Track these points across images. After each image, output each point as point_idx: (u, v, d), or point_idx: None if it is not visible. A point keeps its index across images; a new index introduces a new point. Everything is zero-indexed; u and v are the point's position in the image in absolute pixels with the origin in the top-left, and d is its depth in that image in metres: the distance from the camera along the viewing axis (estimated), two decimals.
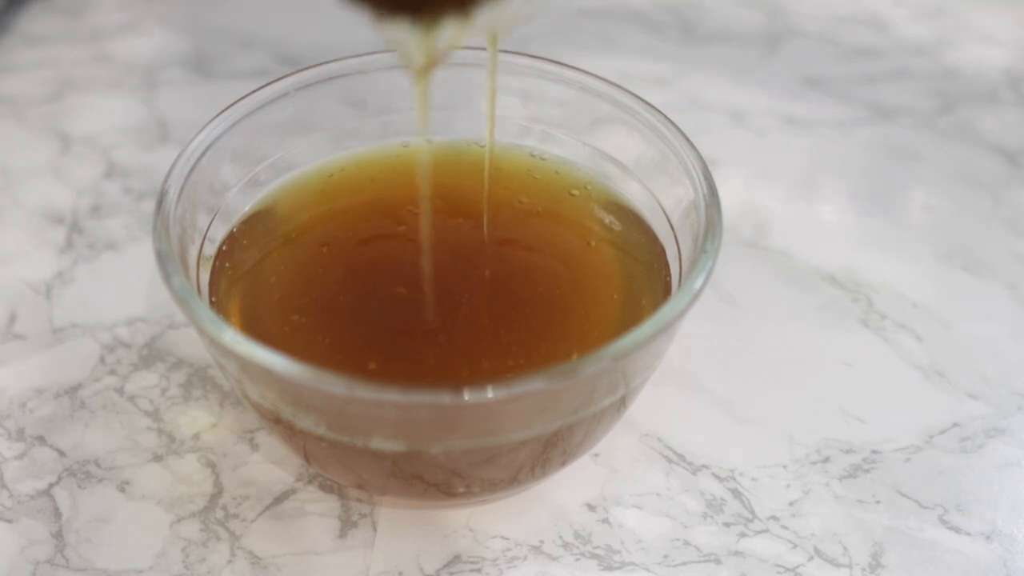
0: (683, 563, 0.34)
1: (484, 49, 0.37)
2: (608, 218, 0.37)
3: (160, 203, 0.33)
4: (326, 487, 0.36)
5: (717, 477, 0.37)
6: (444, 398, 0.28)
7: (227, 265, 0.35)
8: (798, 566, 0.34)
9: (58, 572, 0.34)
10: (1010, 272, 0.44)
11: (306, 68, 0.37)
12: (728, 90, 0.53)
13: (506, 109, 0.37)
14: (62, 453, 0.37)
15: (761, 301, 0.43)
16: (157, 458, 0.37)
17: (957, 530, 0.36)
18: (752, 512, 0.36)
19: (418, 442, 0.30)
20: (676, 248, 0.35)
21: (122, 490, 0.36)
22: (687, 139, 0.35)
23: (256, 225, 0.37)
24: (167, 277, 0.31)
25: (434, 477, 0.32)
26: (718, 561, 0.35)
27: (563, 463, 0.34)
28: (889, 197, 0.47)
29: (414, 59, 0.29)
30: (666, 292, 0.34)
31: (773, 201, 0.47)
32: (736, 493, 0.36)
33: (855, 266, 0.44)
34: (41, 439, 0.37)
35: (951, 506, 0.36)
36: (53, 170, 0.48)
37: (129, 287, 0.42)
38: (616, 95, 0.37)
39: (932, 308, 0.42)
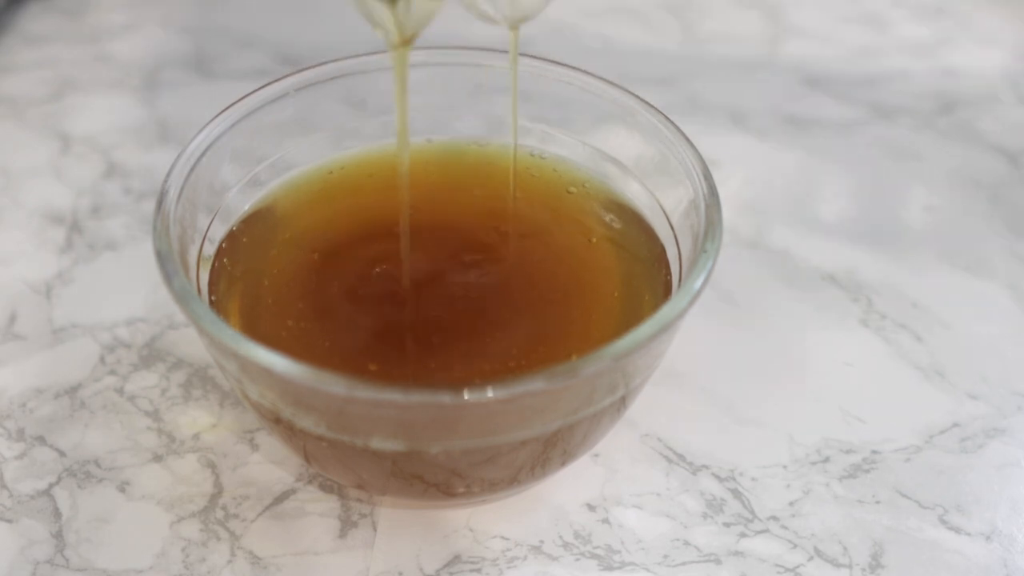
0: (683, 563, 0.34)
1: (485, 50, 0.38)
2: (608, 218, 0.37)
3: (160, 203, 0.33)
4: (326, 487, 0.36)
5: (717, 477, 0.37)
6: (444, 398, 0.28)
7: (227, 264, 0.35)
8: (798, 566, 0.34)
9: (58, 572, 0.34)
10: (1010, 272, 0.44)
11: (306, 68, 0.37)
12: (728, 90, 0.53)
13: (506, 109, 0.37)
14: (62, 453, 0.37)
15: (761, 301, 0.43)
16: (157, 458, 0.37)
17: (957, 530, 0.36)
18: (752, 512, 0.36)
19: (418, 442, 0.30)
20: (676, 248, 0.35)
21: (122, 490, 0.36)
22: (687, 139, 0.35)
23: (256, 224, 0.37)
24: (167, 277, 0.31)
25: (434, 477, 0.32)
26: (718, 561, 0.35)
27: (563, 463, 0.34)
28: (889, 197, 0.47)
29: (389, 33, 0.30)
30: (666, 292, 0.34)
31: (773, 201, 0.47)
32: (736, 493, 0.36)
33: (855, 266, 0.44)
34: (41, 439, 0.37)
35: (951, 506, 0.36)
36: (53, 170, 0.48)
37: (129, 287, 0.42)
38: (616, 95, 0.37)
39: (932, 308, 0.42)
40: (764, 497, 0.36)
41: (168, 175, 0.33)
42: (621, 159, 0.37)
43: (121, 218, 0.45)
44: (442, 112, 0.39)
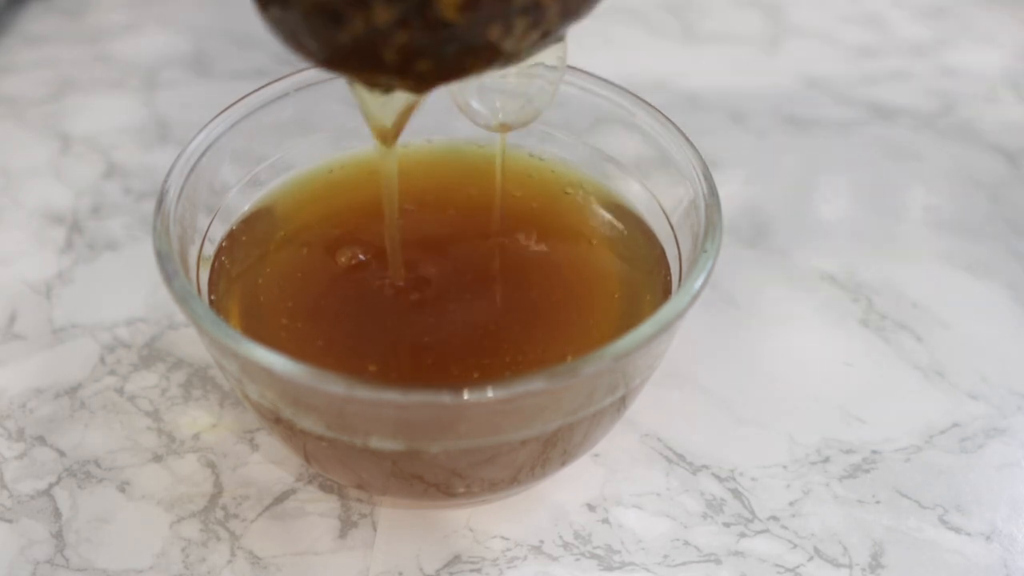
0: (683, 563, 0.34)
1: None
2: (608, 218, 0.37)
3: (160, 203, 0.33)
4: (326, 487, 0.36)
5: (717, 477, 0.37)
6: (444, 398, 0.28)
7: (227, 264, 0.35)
8: (798, 566, 0.34)
9: (58, 572, 0.34)
10: (1010, 272, 0.44)
11: (306, 68, 0.37)
12: (728, 90, 0.53)
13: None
14: (62, 453, 0.37)
15: (761, 301, 0.43)
16: (157, 458, 0.37)
17: (957, 530, 0.36)
18: (752, 512, 0.36)
19: (418, 442, 0.30)
20: (676, 248, 0.35)
21: (122, 490, 0.36)
22: (687, 139, 0.35)
23: (256, 224, 0.37)
24: (167, 277, 0.31)
25: (434, 477, 0.32)
26: (718, 561, 0.35)
27: (563, 463, 0.34)
28: (889, 197, 0.47)
29: (376, 121, 0.31)
30: (666, 292, 0.34)
31: (773, 201, 0.47)
32: (736, 493, 0.36)
33: (855, 266, 0.44)
34: (41, 439, 0.37)
35: (951, 506, 0.36)
36: (53, 170, 0.48)
37: (129, 287, 0.42)
38: (616, 95, 0.37)
39: (932, 308, 0.42)
40: (764, 497, 0.36)
41: (168, 175, 0.33)
42: (621, 159, 0.37)
43: (121, 218, 0.45)
44: (442, 112, 0.39)
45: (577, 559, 0.35)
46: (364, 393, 0.28)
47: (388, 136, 0.32)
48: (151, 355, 0.40)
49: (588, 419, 0.32)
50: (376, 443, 0.30)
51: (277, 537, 0.35)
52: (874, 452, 0.38)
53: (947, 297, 0.43)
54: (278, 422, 0.32)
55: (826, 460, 0.37)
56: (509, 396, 0.28)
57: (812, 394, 0.39)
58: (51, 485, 0.36)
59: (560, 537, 0.35)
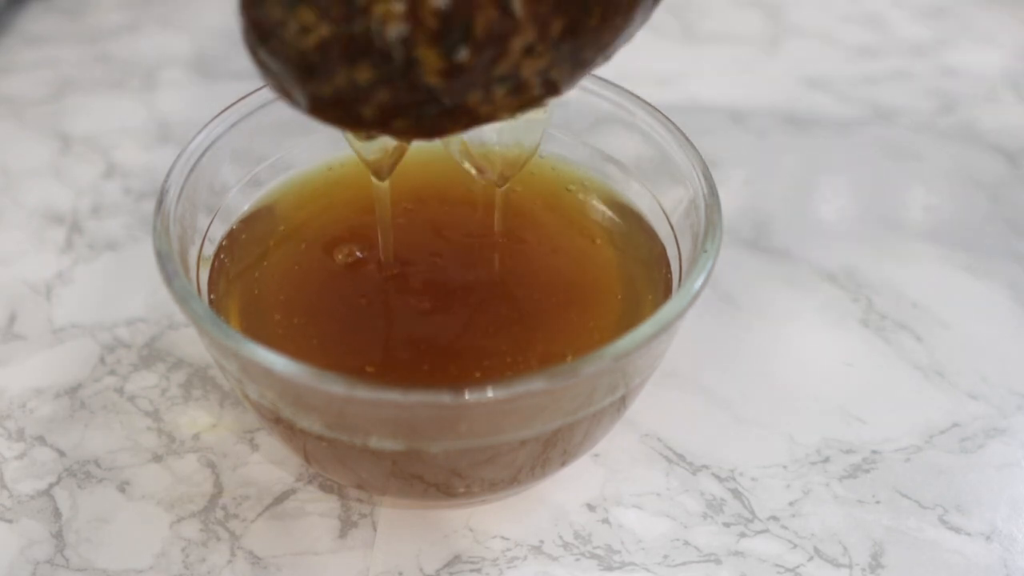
0: (683, 563, 0.34)
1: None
2: (608, 217, 0.37)
3: (160, 203, 0.33)
4: (326, 487, 0.36)
5: (717, 477, 0.37)
6: (444, 398, 0.28)
7: (226, 264, 0.35)
8: (798, 566, 0.34)
9: (58, 572, 0.34)
10: (1010, 272, 0.44)
11: None
12: (728, 90, 0.53)
13: None
14: (62, 453, 0.37)
15: (761, 301, 0.43)
16: (157, 458, 0.37)
17: (957, 530, 0.36)
18: (752, 512, 0.36)
19: (418, 442, 0.30)
20: (676, 248, 0.35)
21: (122, 490, 0.36)
22: (687, 139, 0.35)
23: (255, 223, 0.37)
24: (167, 277, 0.31)
25: (434, 477, 0.32)
26: (718, 561, 0.35)
27: (563, 463, 0.34)
28: (889, 197, 0.47)
29: (362, 158, 0.32)
30: (666, 292, 0.34)
31: (773, 201, 0.47)
32: (736, 493, 0.36)
33: (855, 266, 0.44)
34: (41, 439, 0.37)
35: (951, 506, 0.36)
36: (53, 170, 0.48)
37: (129, 287, 0.42)
38: (616, 95, 0.37)
39: (932, 308, 0.42)
40: (764, 497, 0.36)
41: (168, 175, 0.33)
42: (621, 159, 0.37)
43: (121, 218, 0.45)
44: None
45: (577, 559, 0.35)
46: (364, 393, 0.28)
47: (381, 172, 0.33)
48: (151, 355, 0.40)
49: (588, 419, 0.32)
50: (376, 443, 0.30)
51: (277, 537, 0.35)
52: (874, 452, 0.38)
53: (947, 297, 0.43)
54: (278, 422, 0.32)
55: (826, 460, 0.37)
56: (509, 396, 0.28)
57: (812, 394, 0.39)
58: (51, 485, 0.36)
59: (560, 537, 0.35)
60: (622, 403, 0.33)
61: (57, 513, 0.35)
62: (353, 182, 0.38)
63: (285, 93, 0.27)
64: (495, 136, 0.33)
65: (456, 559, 0.34)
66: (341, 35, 0.25)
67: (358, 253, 0.36)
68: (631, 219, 0.37)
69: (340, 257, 0.36)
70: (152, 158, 0.48)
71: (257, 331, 0.34)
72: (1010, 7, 0.59)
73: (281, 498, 0.36)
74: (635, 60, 0.54)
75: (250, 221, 0.37)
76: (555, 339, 0.34)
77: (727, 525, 0.35)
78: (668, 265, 0.35)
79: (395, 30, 0.25)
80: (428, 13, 0.24)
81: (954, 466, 0.37)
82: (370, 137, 0.30)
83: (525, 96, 0.27)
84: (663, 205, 0.36)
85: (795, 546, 0.35)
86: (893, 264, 0.44)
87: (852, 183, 0.48)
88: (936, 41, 0.56)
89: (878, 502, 0.36)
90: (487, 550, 0.35)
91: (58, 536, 0.35)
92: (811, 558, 0.35)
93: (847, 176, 0.49)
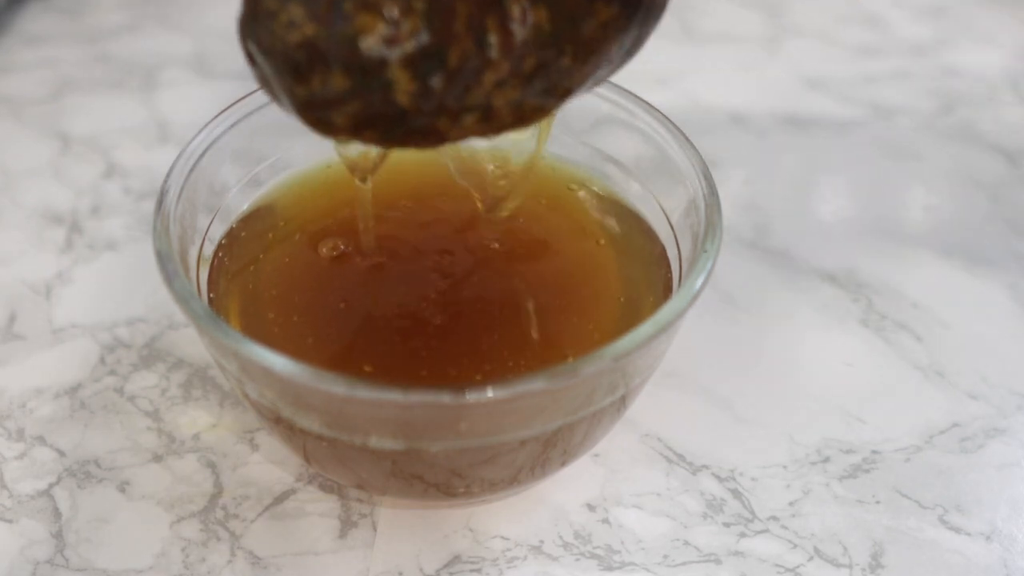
0: (683, 563, 0.34)
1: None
2: (608, 218, 0.37)
3: (160, 203, 0.33)
4: (326, 487, 0.36)
5: (717, 477, 0.37)
6: (444, 398, 0.28)
7: (226, 263, 0.35)
8: (798, 566, 0.34)
9: (58, 572, 0.34)
10: (1010, 272, 0.44)
11: None
12: (728, 90, 0.53)
13: None
14: (62, 453, 0.37)
15: (761, 301, 0.43)
16: (157, 458, 0.37)
17: (957, 530, 0.36)
18: (752, 512, 0.36)
19: (418, 442, 0.30)
20: (676, 248, 0.35)
21: (122, 490, 0.36)
22: (687, 139, 0.35)
23: (255, 222, 0.37)
24: (167, 277, 0.31)
25: (434, 477, 0.32)
26: (718, 561, 0.35)
27: (563, 463, 0.34)
28: (889, 197, 0.48)
29: (341, 155, 0.32)
30: (666, 292, 0.34)
31: (773, 201, 0.47)
32: (736, 493, 0.36)
33: (855, 266, 0.44)
34: (41, 439, 0.37)
35: (951, 506, 0.36)
36: (53, 170, 0.48)
37: (129, 287, 0.42)
38: (616, 95, 0.37)
39: (932, 308, 0.42)
40: (764, 497, 0.36)
41: (168, 175, 0.33)
42: (621, 159, 0.37)
43: (121, 218, 0.45)
44: None
45: (577, 559, 0.35)
46: (364, 393, 0.28)
47: (358, 171, 0.33)
48: (151, 355, 0.40)
49: (588, 419, 0.32)
50: (376, 443, 0.30)
51: (277, 537, 0.35)
52: (874, 452, 0.38)
53: (947, 297, 0.43)
54: (278, 422, 0.32)
55: (826, 460, 0.37)
56: (509, 396, 0.28)
57: (812, 394, 0.39)
58: (51, 485, 0.36)
59: (560, 537, 0.35)
60: (622, 403, 0.33)
61: (57, 513, 0.35)
62: (352, 181, 0.38)
63: (267, 87, 0.27)
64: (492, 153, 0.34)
65: (456, 559, 0.34)
66: (323, 36, 0.26)
67: (360, 254, 0.36)
68: (631, 219, 0.37)
69: (341, 256, 0.36)
70: (152, 158, 0.48)
71: (256, 330, 0.34)
72: (1010, 7, 0.59)
73: (281, 498, 0.36)
74: (635, 60, 0.54)
75: (250, 220, 0.37)
76: (555, 339, 0.34)
77: (727, 525, 0.35)
78: (668, 265, 0.35)
79: (374, 43, 0.25)
80: (407, 34, 0.25)
81: (954, 466, 0.37)
82: (345, 141, 0.31)
83: (494, 124, 0.28)
84: (663, 205, 0.36)
85: (795, 546, 0.35)
86: (893, 264, 0.44)
87: (852, 183, 0.48)
88: (936, 41, 0.56)
89: (878, 502, 0.36)
90: (487, 550, 0.35)
91: (58, 536, 0.35)
92: (811, 558, 0.35)
93: (847, 176, 0.49)
